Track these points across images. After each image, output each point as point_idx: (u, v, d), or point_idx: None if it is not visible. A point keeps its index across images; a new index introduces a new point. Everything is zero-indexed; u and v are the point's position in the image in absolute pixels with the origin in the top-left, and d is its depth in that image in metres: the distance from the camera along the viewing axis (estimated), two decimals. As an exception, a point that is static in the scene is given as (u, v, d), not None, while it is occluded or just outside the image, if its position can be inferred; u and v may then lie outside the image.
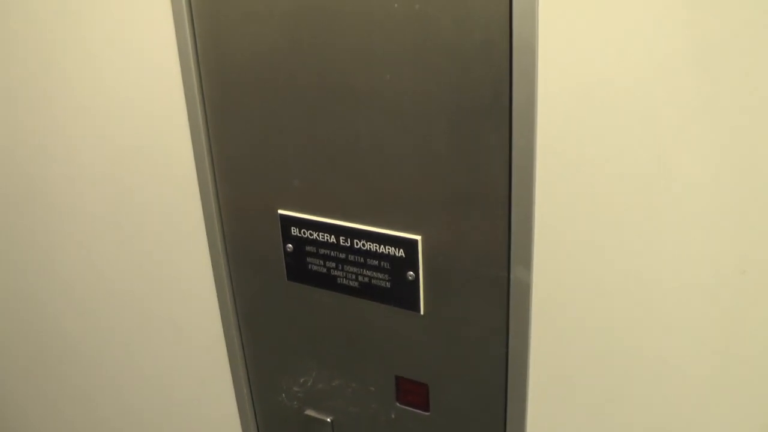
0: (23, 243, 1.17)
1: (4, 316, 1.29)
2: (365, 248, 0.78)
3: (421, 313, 0.79)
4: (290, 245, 0.84)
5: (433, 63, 0.68)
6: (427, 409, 0.86)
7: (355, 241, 0.79)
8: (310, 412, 0.96)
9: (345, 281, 0.82)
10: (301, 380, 0.95)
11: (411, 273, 0.77)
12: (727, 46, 0.55)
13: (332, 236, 0.80)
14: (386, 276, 0.79)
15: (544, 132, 0.65)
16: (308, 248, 0.83)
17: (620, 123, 0.61)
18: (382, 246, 0.77)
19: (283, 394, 0.98)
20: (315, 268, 0.83)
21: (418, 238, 0.75)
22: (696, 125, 0.58)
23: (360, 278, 0.81)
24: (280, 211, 0.83)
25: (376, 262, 0.79)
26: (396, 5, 0.67)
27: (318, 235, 0.81)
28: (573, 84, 0.62)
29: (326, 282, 0.84)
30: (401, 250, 0.76)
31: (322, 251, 0.82)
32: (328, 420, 0.94)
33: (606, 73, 0.60)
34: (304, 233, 0.82)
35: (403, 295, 0.79)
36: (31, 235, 1.14)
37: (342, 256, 0.81)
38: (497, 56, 0.64)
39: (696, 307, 0.64)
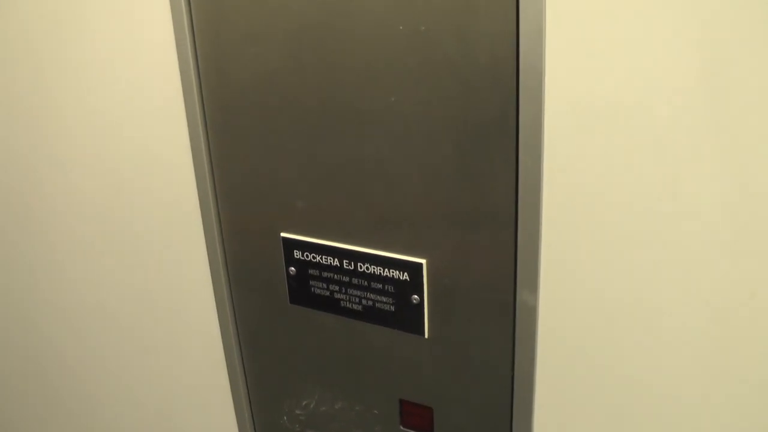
0: (21, 265, 1.16)
1: (3, 341, 1.28)
2: (369, 271, 0.78)
3: (426, 336, 0.78)
4: (293, 268, 0.83)
5: (439, 85, 0.67)
6: (431, 433, 0.85)
7: (358, 264, 0.78)
8: (312, 436, 0.95)
9: (348, 305, 0.81)
10: (304, 403, 0.94)
11: (415, 296, 0.76)
12: (738, 67, 0.54)
13: (335, 259, 0.79)
14: (390, 299, 0.78)
15: (551, 153, 0.64)
16: (311, 271, 0.82)
17: (629, 145, 0.60)
18: (386, 269, 0.76)
19: (285, 417, 0.96)
20: (318, 291, 0.83)
21: (423, 261, 0.74)
22: (706, 147, 0.58)
23: (364, 302, 0.80)
24: (283, 234, 0.82)
25: (380, 286, 0.78)
26: (401, 27, 0.67)
27: (321, 258, 0.80)
28: (580, 105, 0.61)
29: (329, 305, 0.83)
30: (406, 273, 0.75)
31: (325, 274, 0.81)
32: (331, 444, 0.93)
33: (614, 94, 0.60)
34: (307, 256, 0.81)
35: (407, 319, 0.78)
36: (28, 256, 1.14)
37: (345, 279, 0.80)
38: (504, 77, 0.64)
39: (705, 330, 0.63)
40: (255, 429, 1.01)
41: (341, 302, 0.82)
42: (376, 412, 0.87)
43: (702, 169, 0.58)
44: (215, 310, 0.94)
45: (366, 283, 0.79)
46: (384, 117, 0.71)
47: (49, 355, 1.22)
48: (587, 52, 0.59)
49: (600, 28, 0.58)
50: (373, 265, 0.77)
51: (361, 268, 0.78)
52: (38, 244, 1.11)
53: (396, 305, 0.78)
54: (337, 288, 0.81)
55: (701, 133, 0.57)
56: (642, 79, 0.58)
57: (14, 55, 0.97)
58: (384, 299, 0.78)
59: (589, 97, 0.61)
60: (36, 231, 1.10)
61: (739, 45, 0.54)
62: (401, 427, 0.86)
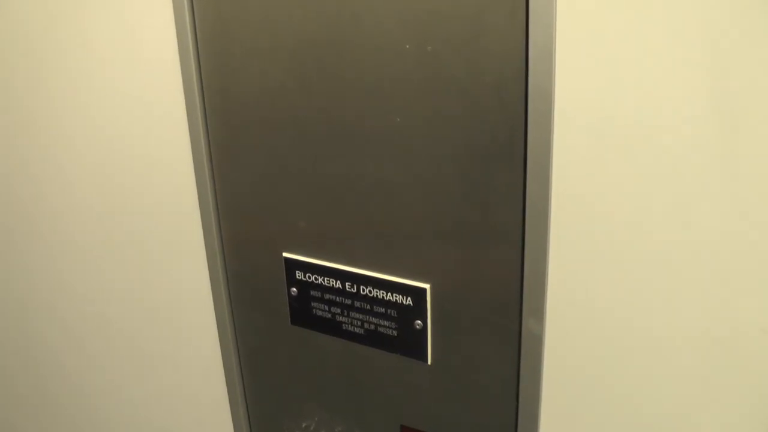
0: (23, 279, 1.15)
1: (6, 353, 1.27)
2: (372, 295, 0.76)
3: (429, 362, 0.76)
4: (294, 289, 0.81)
5: (446, 106, 0.66)
6: (433, 461, 0.83)
7: (361, 287, 0.76)
8: (311, 459, 0.93)
9: (350, 328, 0.79)
10: (303, 424, 0.92)
11: (419, 322, 0.74)
12: (751, 90, 0.53)
13: (338, 282, 0.78)
14: (393, 324, 0.76)
15: (559, 178, 0.63)
16: (313, 293, 0.80)
17: (639, 172, 0.59)
18: (389, 293, 0.75)
19: (285, 439, 0.95)
20: (320, 313, 0.81)
21: (427, 286, 0.72)
22: (718, 174, 0.56)
23: (366, 325, 0.78)
24: (285, 255, 0.81)
25: (382, 310, 0.76)
26: (407, 46, 0.65)
27: (323, 280, 0.79)
28: (591, 128, 0.60)
29: (331, 328, 0.81)
30: (409, 298, 0.74)
31: (327, 296, 0.79)
32: (331, 467, 0.92)
33: (625, 118, 0.58)
34: (309, 277, 0.80)
35: (410, 344, 0.76)
36: (31, 268, 1.13)
37: (348, 302, 0.78)
38: (512, 100, 0.62)
39: (715, 365, 0.61)
40: (254, 450, 0.99)
41: (343, 325, 0.80)
42: (376, 437, 0.86)
43: (715, 197, 0.57)
44: (215, 327, 0.93)
45: (368, 306, 0.77)
46: (389, 137, 0.69)
47: (49, 365, 1.21)
48: (598, 75, 0.58)
49: (611, 51, 0.57)
50: (376, 288, 0.75)
51: (363, 291, 0.76)
52: (39, 253, 1.10)
53: (399, 330, 0.76)
54: (339, 310, 0.79)
55: (714, 159, 0.56)
56: (654, 102, 0.56)
57: (20, 71, 0.96)
58: (386, 323, 0.76)
59: (600, 120, 0.59)
60: (37, 240, 1.09)
61: (752, 68, 0.52)
62: (402, 453, 0.85)
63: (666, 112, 0.56)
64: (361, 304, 0.77)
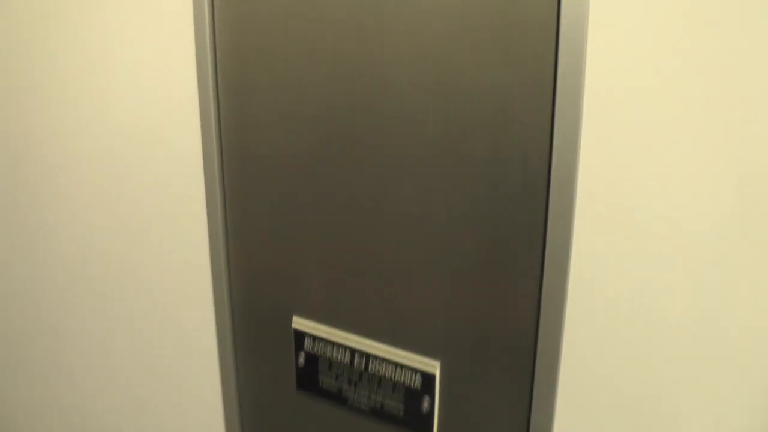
0: (27, 324, 1.15)
1: (13, 376, 1.27)
2: (380, 373, 0.74)
3: (434, 444, 0.74)
4: (302, 358, 0.79)
5: (466, 190, 0.65)
6: None
7: (369, 363, 0.74)
8: None
9: (356, 403, 0.77)
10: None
11: (426, 404, 0.72)
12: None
13: (347, 355, 0.76)
14: (400, 403, 0.74)
15: (577, 272, 0.61)
16: (321, 364, 0.78)
17: (660, 259, 0.58)
18: (398, 372, 0.73)
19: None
20: (326, 384, 0.79)
21: (437, 363, 0.71)
22: (739, 265, 0.55)
23: (372, 400, 0.76)
24: (295, 326, 0.79)
25: (390, 388, 0.74)
26: (431, 123, 0.64)
27: (332, 353, 0.77)
28: (613, 225, 0.59)
29: (337, 399, 0.79)
30: (418, 376, 0.71)
31: (335, 369, 0.77)
32: None
33: (647, 208, 0.57)
34: (318, 349, 0.78)
35: (416, 424, 0.74)
36: (35, 318, 1.12)
37: (355, 377, 0.76)
38: (534, 188, 0.61)
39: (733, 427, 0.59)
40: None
41: (349, 400, 0.78)
42: None
43: (735, 286, 0.56)
44: (219, 384, 0.91)
45: (376, 383, 0.75)
46: (408, 215, 0.69)
47: (50, 408, 1.20)
48: (622, 167, 0.57)
49: (637, 148, 0.56)
50: (385, 366, 0.73)
51: (371, 368, 0.74)
52: (46, 308, 1.10)
53: (405, 409, 0.74)
54: (346, 384, 0.77)
55: (736, 240, 0.55)
56: (678, 196, 0.56)
57: (37, 83, 0.97)
58: (393, 402, 0.74)
59: (623, 218, 0.58)
60: (46, 280, 1.09)
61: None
62: None
63: (690, 202, 0.55)
64: (368, 380, 0.75)
